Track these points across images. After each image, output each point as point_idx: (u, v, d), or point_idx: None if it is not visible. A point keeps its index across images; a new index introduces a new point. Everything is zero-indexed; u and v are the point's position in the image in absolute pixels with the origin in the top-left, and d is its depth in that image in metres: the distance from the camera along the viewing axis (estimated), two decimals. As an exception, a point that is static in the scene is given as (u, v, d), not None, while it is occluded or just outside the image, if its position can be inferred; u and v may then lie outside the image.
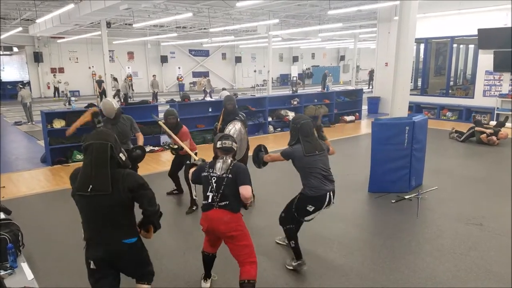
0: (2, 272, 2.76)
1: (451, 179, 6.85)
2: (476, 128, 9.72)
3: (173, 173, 6.09)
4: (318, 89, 22.39)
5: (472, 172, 7.28)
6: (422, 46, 14.59)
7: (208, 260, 3.57)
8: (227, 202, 3.17)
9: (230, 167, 3.23)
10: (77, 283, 3.76)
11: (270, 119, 11.87)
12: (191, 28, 24.33)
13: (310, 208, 3.80)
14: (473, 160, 8.32)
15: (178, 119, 5.63)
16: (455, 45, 14.24)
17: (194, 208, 5.53)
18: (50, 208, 5.95)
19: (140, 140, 5.40)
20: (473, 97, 12.79)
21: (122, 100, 14.94)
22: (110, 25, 17.46)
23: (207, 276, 3.66)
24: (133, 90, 23.79)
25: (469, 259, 4.10)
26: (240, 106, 11.39)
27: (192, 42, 28.32)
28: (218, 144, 3.35)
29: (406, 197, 5.81)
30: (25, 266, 2.90)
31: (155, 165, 8.16)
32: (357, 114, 13.87)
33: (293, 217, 3.94)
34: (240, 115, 5.65)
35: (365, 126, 12.89)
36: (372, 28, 20.86)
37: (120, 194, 2.52)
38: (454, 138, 10.07)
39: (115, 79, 20.96)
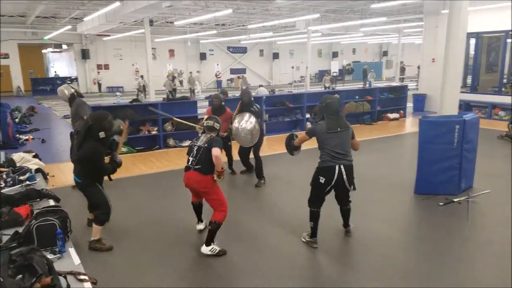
0: (52, 256, 2.84)
1: (504, 182, 6.41)
2: None
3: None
4: (358, 85, 21.87)
5: (528, 175, 6.79)
6: (472, 41, 13.84)
7: (196, 207, 4.61)
8: (200, 166, 4.08)
9: (208, 140, 4.14)
10: (120, 268, 3.92)
11: (308, 115, 11.67)
12: (230, 25, 24.45)
13: (322, 180, 4.05)
14: (528, 162, 7.78)
15: (223, 102, 6.56)
16: (509, 40, 13.37)
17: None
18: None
19: None
20: (528, 95, 11.98)
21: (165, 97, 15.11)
22: (152, 23, 17.81)
23: (199, 220, 4.70)
24: (182, 86, 24.13)
25: (526, 268, 3.81)
26: (277, 102, 11.38)
27: (231, 39, 28.49)
28: (205, 123, 4.41)
29: (455, 200, 5.51)
30: (72, 251, 2.98)
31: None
32: (402, 111, 13.37)
33: (314, 197, 4.21)
34: (254, 107, 6.34)
35: (410, 124, 12.42)
36: (417, 22, 20.10)
37: (78, 157, 4.02)
38: (508, 139, 9.47)
39: (142, 77, 21.21)
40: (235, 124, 6.22)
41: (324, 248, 4.26)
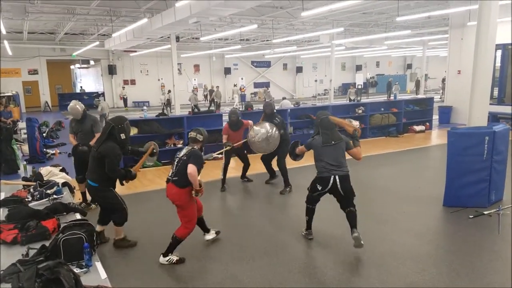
0: (78, 270, 2.81)
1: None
2: None
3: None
4: (383, 98, 21.62)
5: None
6: (498, 52, 13.47)
7: (197, 222, 4.47)
8: (177, 178, 4.06)
9: (188, 152, 4.09)
10: (147, 283, 3.91)
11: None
12: (254, 40, 24.71)
13: (319, 187, 4.47)
14: None
15: (239, 117, 6.88)
16: (537, 51, 12.98)
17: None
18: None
19: (93, 140, 5.57)
20: (559, 107, 11.54)
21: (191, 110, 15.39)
22: (178, 39, 18.21)
23: (205, 231, 4.71)
24: (206, 100, 24.26)
25: None
26: (302, 114, 11.35)
27: (255, 54, 28.75)
28: (188, 135, 4.34)
29: (485, 212, 5.33)
30: (99, 265, 2.94)
31: (218, 171, 8.25)
32: (428, 124, 13.12)
33: (311, 198, 4.63)
34: (276, 119, 6.58)
35: (436, 137, 12.16)
36: (442, 35, 19.83)
37: (98, 153, 4.17)
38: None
39: (169, 91, 21.75)
40: (251, 132, 6.46)
41: (353, 262, 4.20)
